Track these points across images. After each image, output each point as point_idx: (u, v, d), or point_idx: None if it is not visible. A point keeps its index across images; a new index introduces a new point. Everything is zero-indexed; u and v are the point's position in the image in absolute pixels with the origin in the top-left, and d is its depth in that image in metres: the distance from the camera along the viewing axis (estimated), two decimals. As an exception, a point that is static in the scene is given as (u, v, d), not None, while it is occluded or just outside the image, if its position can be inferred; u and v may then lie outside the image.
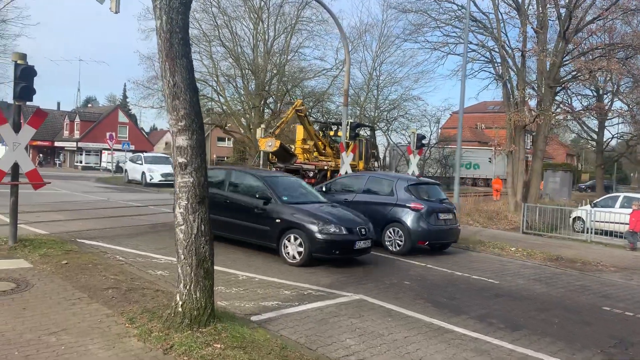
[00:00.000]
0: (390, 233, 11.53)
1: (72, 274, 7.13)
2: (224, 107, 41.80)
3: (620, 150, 47.67)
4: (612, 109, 35.09)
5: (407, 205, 11.45)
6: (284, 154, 20.95)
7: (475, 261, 11.13)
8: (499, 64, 30.77)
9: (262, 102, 40.87)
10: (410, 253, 11.24)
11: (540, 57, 24.55)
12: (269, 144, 19.80)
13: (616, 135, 45.02)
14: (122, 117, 66.57)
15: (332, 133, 18.47)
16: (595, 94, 39.85)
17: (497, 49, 28.91)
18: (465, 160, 46.61)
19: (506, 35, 27.28)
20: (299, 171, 20.82)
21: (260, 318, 6.16)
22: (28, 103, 8.75)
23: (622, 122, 47.86)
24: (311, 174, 20.32)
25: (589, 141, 43.06)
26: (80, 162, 62.40)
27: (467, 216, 19.79)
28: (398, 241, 11.42)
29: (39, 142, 65.26)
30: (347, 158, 16.78)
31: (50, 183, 9.83)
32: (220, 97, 41.20)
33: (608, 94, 41.23)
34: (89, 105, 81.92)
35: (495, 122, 65.65)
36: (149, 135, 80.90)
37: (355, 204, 11.89)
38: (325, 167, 20.88)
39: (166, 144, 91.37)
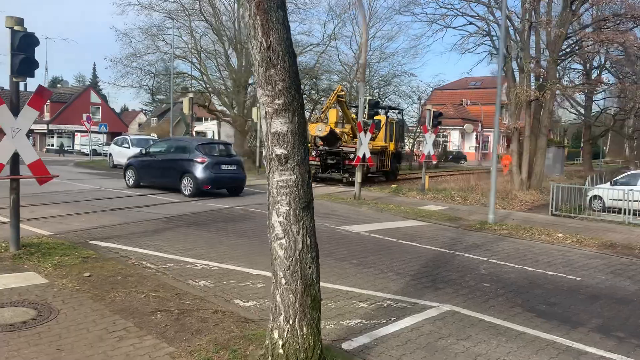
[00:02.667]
0: (185, 181, 15.34)
1: (102, 292, 5.73)
2: (207, 86, 39.84)
3: (607, 125, 47.57)
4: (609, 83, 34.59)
5: (196, 159, 15.20)
6: (331, 139, 21.48)
7: (533, 252, 10.03)
8: (496, 38, 29.66)
9: (247, 81, 39.07)
10: (197, 196, 15.09)
11: (548, 28, 23.56)
12: (319, 129, 20.46)
13: (605, 109, 44.79)
14: (94, 98, 63.63)
15: (365, 116, 17.81)
16: (584, 68, 39.34)
17: (497, 22, 27.79)
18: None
19: (507, 8, 26.04)
20: (339, 154, 21.23)
21: (353, 346, 4.91)
22: None
23: (608, 97, 47.82)
24: (352, 156, 19.87)
25: (581, 116, 42.48)
26: (52, 145, 59.34)
27: (483, 196, 18.84)
28: (189, 187, 15.20)
29: (6, 125, 61.82)
30: (364, 138, 15.48)
31: (58, 176, 8.30)
32: (203, 75, 39.16)
33: (596, 69, 40.83)
34: (58, 85, 78.13)
35: (477, 98, 65.21)
36: (120, 116, 77.79)
37: (164, 160, 16.21)
38: None
39: (139, 125, 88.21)
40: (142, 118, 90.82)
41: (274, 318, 3.93)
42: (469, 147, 66.03)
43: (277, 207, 3.83)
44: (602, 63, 39.39)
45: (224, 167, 15.66)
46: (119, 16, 63.24)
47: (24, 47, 6.75)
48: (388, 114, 25.70)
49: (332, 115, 23.52)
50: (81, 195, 14.44)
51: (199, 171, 15.04)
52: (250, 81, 40.88)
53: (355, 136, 21.51)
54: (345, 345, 4.91)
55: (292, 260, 3.82)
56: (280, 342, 3.86)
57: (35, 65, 6.86)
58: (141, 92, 46.42)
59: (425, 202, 16.70)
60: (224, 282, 6.65)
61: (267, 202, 3.94)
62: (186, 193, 15.17)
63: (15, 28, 6.76)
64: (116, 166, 25.98)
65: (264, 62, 3.74)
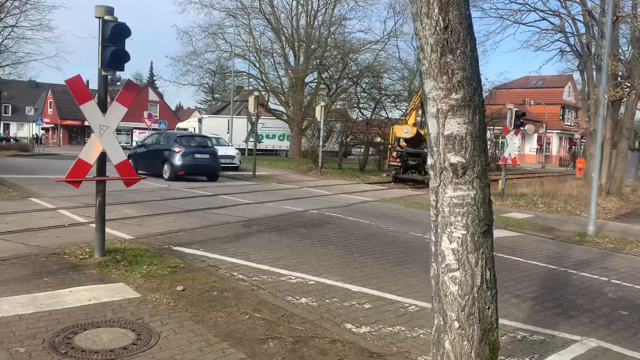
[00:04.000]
0: (165, 167, 18.10)
1: (200, 311, 5.11)
2: (265, 84, 39.59)
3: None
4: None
5: (174, 149, 17.99)
6: (416, 140, 21.88)
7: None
8: (570, 34, 27.96)
9: (304, 79, 38.62)
10: (174, 180, 17.76)
11: (634, 23, 21.87)
12: (405, 131, 21.48)
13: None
14: (152, 96, 65.13)
15: None
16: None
17: (573, 17, 26.22)
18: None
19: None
20: (421, 155, 21.23)
21: (503, 391, 4.07)
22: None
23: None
24: None
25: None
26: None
27: (566, 203, 17.51)
28: (168, 172, 17.92)
29: (69, 122, 64.13)
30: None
31: (145, 178, 7.81)
32: (261, 73, 38.91)
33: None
34: (118, 83, 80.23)
35: (538, 98, 62.56)
36: (176, 113, 79.22)
37: (153, 151, 19.10)
38: None
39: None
40: (197, 115, 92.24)
41: (440, 368, 3.15)
42: (530, 149, 63.42)
43: (449, 230, 3.04)
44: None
45: (198, 156, 18.25)
46: (180, 14, 64.26)
47: (115, 38, 6.24)
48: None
49: (412, 118, 23.28)
50: (153, 194, 14.10)
51: (176, 159, 17.73)
52: (307, 80, 40.42)
53: None
54: (493, 391, 4.07)
55: (468, 298, 3.03)
56: (449, 400, 3.08)
57: (127, 57, 6.35)
58: (199, 91, 46.89)
59: (507, 208, 15.56)
60: (327, 301, 5.93)
61: (432, 222, 3.17)
62: (165, 177, 17.94)
63: (106, 18, 6.26)
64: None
65: (439, 46, 2.96)
